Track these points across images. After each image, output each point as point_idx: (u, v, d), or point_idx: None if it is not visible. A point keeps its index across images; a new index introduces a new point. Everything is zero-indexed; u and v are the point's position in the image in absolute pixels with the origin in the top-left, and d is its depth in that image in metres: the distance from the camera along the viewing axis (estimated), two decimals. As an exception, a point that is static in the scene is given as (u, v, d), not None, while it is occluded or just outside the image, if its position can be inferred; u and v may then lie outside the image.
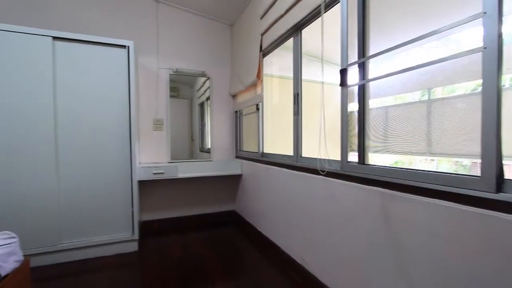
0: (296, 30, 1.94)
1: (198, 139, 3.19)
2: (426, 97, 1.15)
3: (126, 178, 2.26)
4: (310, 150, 1.89)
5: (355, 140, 1.44)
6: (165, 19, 2.88)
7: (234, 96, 3.20)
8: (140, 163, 2.68)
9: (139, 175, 2.43)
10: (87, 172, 2.14)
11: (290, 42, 2.07)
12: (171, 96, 2.94)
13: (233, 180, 3.21)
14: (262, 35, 2.34)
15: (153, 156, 2.86)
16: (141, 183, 2.63)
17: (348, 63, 1.46)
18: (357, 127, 1.42)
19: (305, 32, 1.92)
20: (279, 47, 2.27)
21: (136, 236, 2.30)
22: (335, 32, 1.55)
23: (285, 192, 2.04)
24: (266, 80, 2.49)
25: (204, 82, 3.14)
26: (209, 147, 3.16)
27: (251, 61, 2.50)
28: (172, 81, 2.94)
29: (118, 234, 2.25)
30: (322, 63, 1.57)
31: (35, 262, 1.96)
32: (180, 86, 3.04)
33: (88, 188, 2.15)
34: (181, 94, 3.06)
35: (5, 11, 2.31)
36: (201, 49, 3.06)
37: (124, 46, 2.20)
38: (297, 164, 1.92)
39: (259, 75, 2.36)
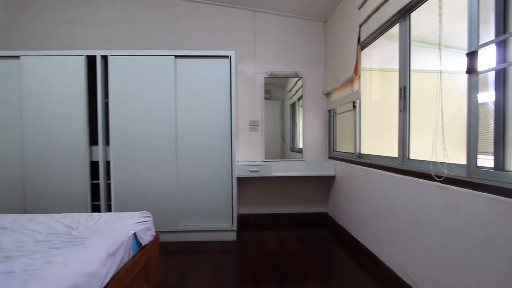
0: (404, 14, 1.70)
1: (289, 139, 3.24)
2: None
3: (227, 174, 2.52)
4: (420, 151, 1.62)
5: (488, 140, 1.14)
6: (261, 25, 3.07)
7: (327, 95, 3.09)
8: (238, 161, 2.94)
9: (238, 172, 2.66)
10: (197, 169, 2.51)
11: (394, 29, 1.84)
12: (264, 98, 3.10)
13: (326, 181, 3.11)
14: (360, 26, 2.16)
15: (249, 155, 3.09)
16: (239, 179, 2.88)
17: (480, 43, 1.17)
18: (493, 123, 1.12)
19: (414, 15, 1.66)
20: (381, 37, 2.04)
21: (235, 227, 2.54)
22: (456, 9, 1.27)
23: (388, 198, 1.82)
24: (364, 75, 2.29)
25: (296, 82, 3.16)
26: (301, 147, 3.17)
27: (348, 56, 2.35)
28: (265, 84, 3.09)
29: (220, 224, 2.54)
30: (439, 48, 1.32)
31: (161, 238, 2.43)
32: (272, 88, 3.16)
33: (198, 182, 2.51)
34: (273, 96, 3.18)
35: (148, 40, 2.97)
36: (294, 50, 3.10)
37: (227, 56, 2.47)
38: (403, 167, 1.68)
39: (356, 70, 2.20)
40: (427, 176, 1.42)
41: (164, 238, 2.46)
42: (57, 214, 1.69)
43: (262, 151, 3.10)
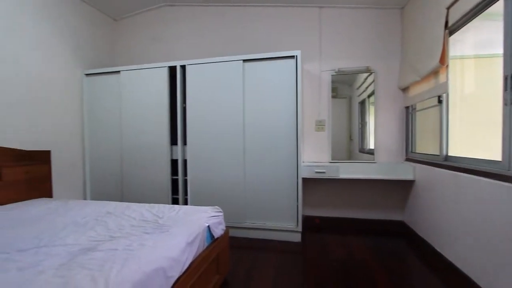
0: (511, -14, 1.39)
1: (358, 139, 3.03)
2: None
3: (292, 175, 2.50)
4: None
5: None
6: (327, 21, 2.96)
7: (404, 90, 2.77)
8: (303, 162, 2.89)
9: (303, 173, 2.61)
10: (263, 169, 2.57)
11: (495, 7, 1.52)
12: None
13: (402, 186, 2.79)
14: (448, 8, 1.86)
15: (314, 156, 3.01)
16: (304, 180, 2.83)
17: None
18: None
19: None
20: (476, 18, 1.72)
21: (300, 229, 2.50)
22: None
23: (487, 210, 1.52)
24: (453, 64, 1.97)
25: (366, 78, 2.94)
26: (371, 147, 2.92)
27: (432, 44, 2.06)
28: (332, 81, 2.96)
29: (284, 224, 2.54)
30: None
31: (229, 232, 2.59)
32: (339, 85, 3.01)
33: (264, 182, 2.57)
34: (340, 94, 3.02)
35: (219, 47, 3.21)
36: (364, 43, 2.89)
37: (292, 56, 2.46)
38: (510, 173, 1.38)
39: (443, 59, 1.90)
40: (548, 186, 1.13)
41: (231, 233, 2.59)
42: (147, 204, 1.98)
43: (328, 151, 2.98)
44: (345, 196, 2.96)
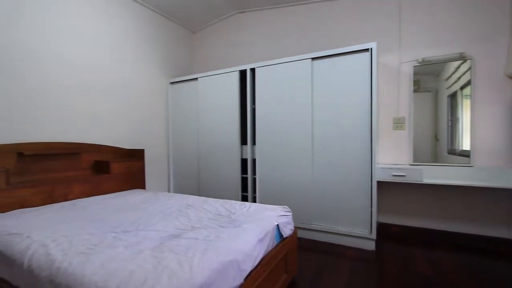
0: None
1: (446, 139, 2.60)
2: None
3: (366, 177, 2.32)
4: None
5: None
6: (408, 7, 2.64)
7: (514, 78, 2.25)
8: (378, 164, 2.65)
9: (378, 176, 2.40)
10: (333, 171, 2.46)
11: None
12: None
13: (509, 196, 2.27)
14: None
15: (391, 157, 2.73)
16: (379, 183, 2.59)
17: None
18: None
19: None
20: None
21: (374, 236, 2.30)
22: None
23: None
24: None
25: (458, 67, 2.50)
26: (465, 148, 2.47)
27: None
28: (413, 73, 2.62)
29: (355, 229, 2.38)
30: None
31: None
32: (422, 77, 2.64)
33: (333, 183, 2.46)
34: (423, 87, 2.65)
35: (286, 48, 3.24)
36: (456, 27, 2.46)
37: (367, 50, 2.28)
38: None
39: None
40: None
41: (298, 233, 2.57)
42: (220, 199, 2.13)
43: (409, 153, 2.65)
44: (431, 204, 2.59)
